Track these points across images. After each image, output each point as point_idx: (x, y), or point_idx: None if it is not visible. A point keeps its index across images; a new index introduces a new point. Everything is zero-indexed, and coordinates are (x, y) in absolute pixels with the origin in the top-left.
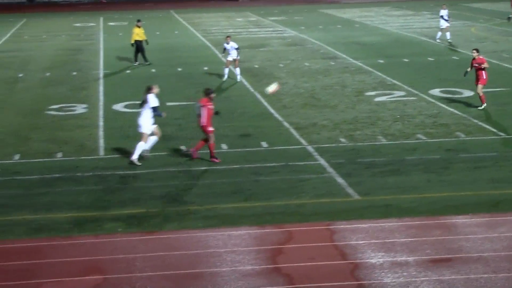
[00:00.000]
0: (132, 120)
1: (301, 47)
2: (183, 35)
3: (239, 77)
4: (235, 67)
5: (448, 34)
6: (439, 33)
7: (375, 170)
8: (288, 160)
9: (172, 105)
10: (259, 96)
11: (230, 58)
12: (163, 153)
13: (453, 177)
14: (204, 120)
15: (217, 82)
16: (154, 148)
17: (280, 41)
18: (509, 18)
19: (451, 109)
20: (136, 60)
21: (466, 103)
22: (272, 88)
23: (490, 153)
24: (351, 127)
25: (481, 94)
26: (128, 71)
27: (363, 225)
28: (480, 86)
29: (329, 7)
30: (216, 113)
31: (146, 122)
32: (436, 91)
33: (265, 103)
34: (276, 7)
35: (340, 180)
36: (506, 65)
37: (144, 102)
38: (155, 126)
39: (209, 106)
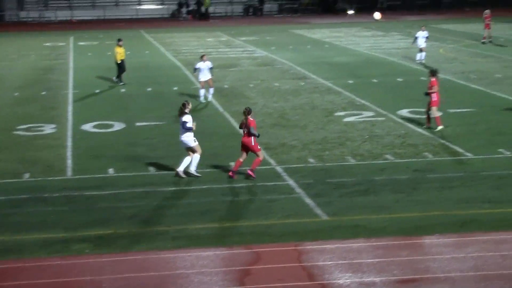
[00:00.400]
0: (101, 140)
1: (271, 67)
2: (154, 55)
3: (210, 97)
4: (209, 87)
5: (418, 55)
6: (423, 54)
7: (343, 191)
8: (257, 181)
9: (142, 125)
10: (228, 116)
11: (203, 79)
12: (132, 174)
13: (421, 197)
14: (252, 140)
15: (189, 101)
16: (122, 168)
17: (250, 61)
18: (484, 40)
19: (419, 130)
20: (121, 80)
21: (434, 124)
22: (377, 15)
23: (458, 173)
24: (320, 147)
25: (436, 115)
26: (97, 91)
27: (331, 246)
28: (433, 108)
29: (299, 28)
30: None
31: (187, 136)
32: (404, 112)
33: (235, 124)
34: (247, 27)
35: (308, 200)
36: (473, 86)
37: (180, 118)
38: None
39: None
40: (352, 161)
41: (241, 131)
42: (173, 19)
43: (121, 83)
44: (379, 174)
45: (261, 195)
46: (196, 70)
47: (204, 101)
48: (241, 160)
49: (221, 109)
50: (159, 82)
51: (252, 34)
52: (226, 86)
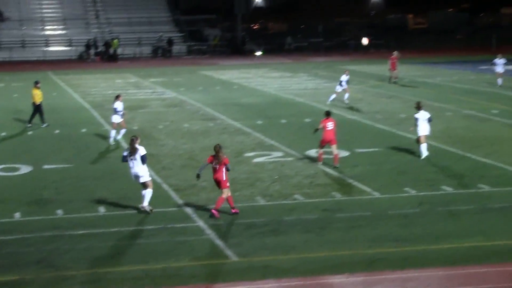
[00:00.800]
0: (7, 184)
1: (180, 109)
2: (61, 96)
3: (120, 137)
4: (121, 128)
5: (333, 96)
6: (347, 95)
7: (253, 231)
8: (166, 222)
9: (50, 167)
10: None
11: (117, 120)
12: (40, 217)
13: (330, 237)
14: (224, 175)
15: (97, 143)
16: (29, 212)
17: (159, 103)
18: (390, 80)
19: (327, 169)
20: (43, 122)
21: (342, 163)
22: (365, 40)
23: (365, 213)
24: (230, 188)
25: (318, 152)
26: (3, 134)
27: (242, 287)
28: (320, 145)
29: (208, 69)
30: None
31: (144, 170)
32: (312, 152)
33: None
34: (155, 68)
35: (218, 241)
36: (379, 126)
37: (133, 153)
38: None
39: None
40: (262, 202)
41: (210, 165)
42: (81, 60)
43: (44, 125)
44: (289, 214)
45: (171, 237)
46: (115, 110)
47: (113, 142)
48: (229, 195)
49: None
50: (67, 124)
51: (161, 76)
52: (135, 127)
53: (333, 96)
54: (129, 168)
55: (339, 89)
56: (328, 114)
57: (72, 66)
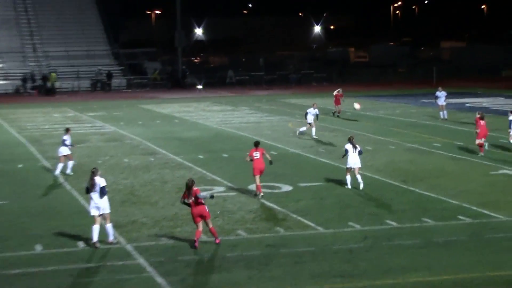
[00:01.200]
0: None
1: (120, 143)
2: None
3: (69, 170)
4: (69, 160)
5: (313, 130)
6: (313, 129)
7: (196, 268)
8: (106, 260)
9: None
10: (76, 193)
11: (65, 152)
12: None
13: (274, 273)
14: (205, 207)
15: (34, 179)
16: None
17: (98, 137)
18: (333, 114)
19: (271, 204)
20: None
21: (285, 198)
22: (357, 105)
23: (309, 248)
24: (172, 224)
25: (256, 183)
26: None
27: None
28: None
29: (148, 103)
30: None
31: (104, 202)
32: (254, 186)
33: (82, 201)
34: (94, 102)
35: (159, 279)
36: (322, 159)
37: (93, 185)
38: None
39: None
40: (204, 238)
41: (183, 202)
42: (17, 94)
43: None
44: (232, 250)
45: (110, 275)
46: (63, 142)
47: (59, 175)
48: (200, 230)
49: (68, 186)
50: (3, 159)
51: (100, 110)
52: (74, 162)
53: (313, 129)
54: (89, 200)
55: (310, 119)
56: (256, 144)
57: (8, 100)
